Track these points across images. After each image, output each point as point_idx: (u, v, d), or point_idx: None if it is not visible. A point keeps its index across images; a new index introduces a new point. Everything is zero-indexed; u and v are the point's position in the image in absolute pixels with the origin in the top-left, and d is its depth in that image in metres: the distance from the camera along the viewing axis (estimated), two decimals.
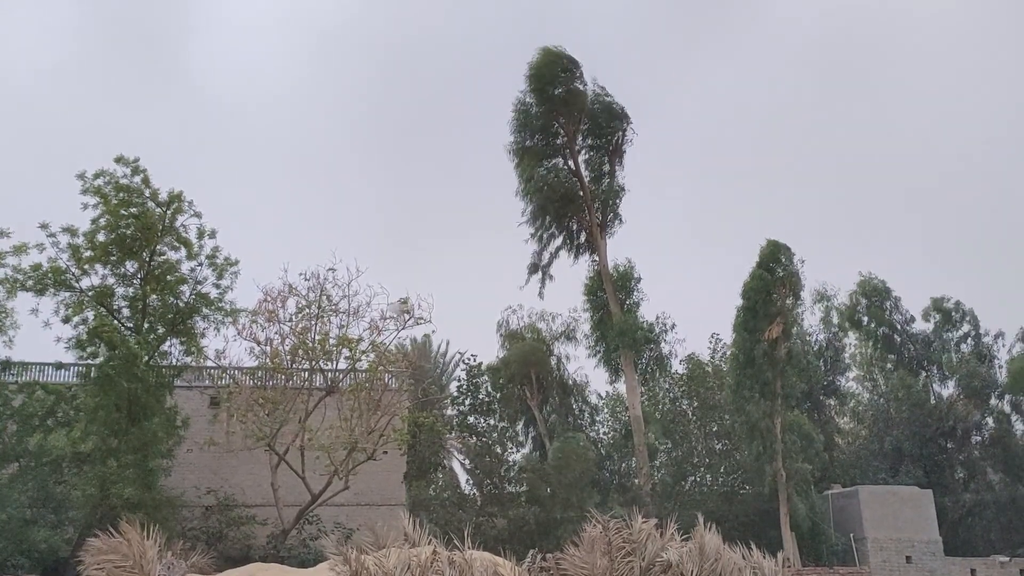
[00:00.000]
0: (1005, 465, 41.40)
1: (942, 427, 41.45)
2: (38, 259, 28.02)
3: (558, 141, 39.48)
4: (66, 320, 28.23)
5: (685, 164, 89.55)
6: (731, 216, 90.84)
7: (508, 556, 14.81)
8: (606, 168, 40.11)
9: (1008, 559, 34.69)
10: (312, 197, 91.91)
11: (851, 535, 33.92)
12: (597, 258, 39.76)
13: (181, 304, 29.48)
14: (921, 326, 45.84)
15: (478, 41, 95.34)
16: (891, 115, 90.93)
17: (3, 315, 27.86)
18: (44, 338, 28.39)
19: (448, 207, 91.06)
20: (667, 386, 39.93)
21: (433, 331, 45.47)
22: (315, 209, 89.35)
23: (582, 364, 62.61)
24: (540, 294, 41.16)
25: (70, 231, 28.27)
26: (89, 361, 28.23)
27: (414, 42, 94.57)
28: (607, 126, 39.25)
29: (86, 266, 28.45)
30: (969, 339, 44.77)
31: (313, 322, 30.22)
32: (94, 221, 28.34)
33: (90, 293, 28.59)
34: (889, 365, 45.09)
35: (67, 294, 28.32)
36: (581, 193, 39.28)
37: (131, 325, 29.00)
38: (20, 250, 27.79)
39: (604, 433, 43.80)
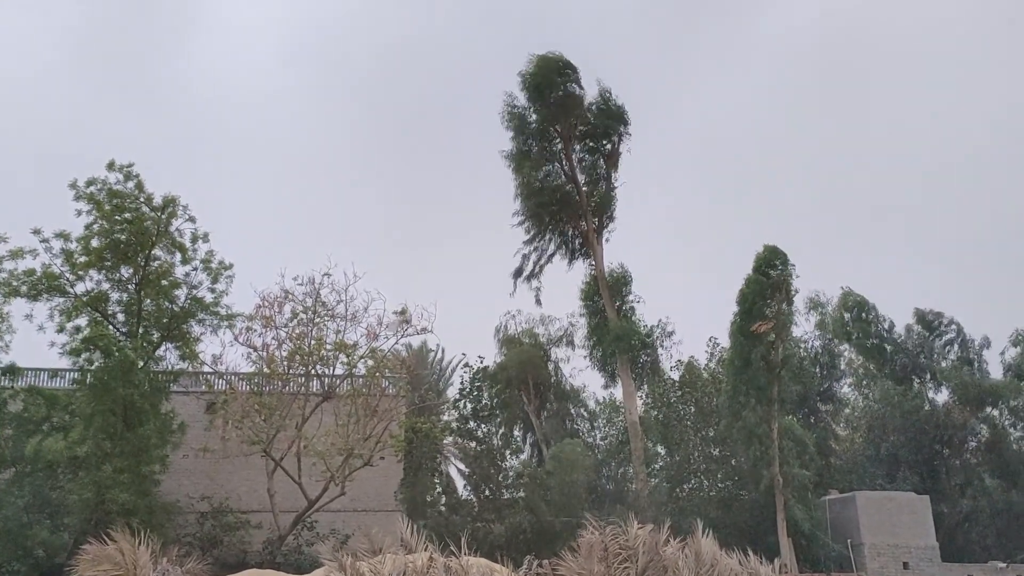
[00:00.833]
0: (1001, 471, 41.41)
1: (938, 434, 41.46)
2: (32, 265, 28.04)
3: (555, 145, 39.51)
4: (61, 329, 28.23)
5: (682, 168, 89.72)
6: (728, 221, 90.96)
7: (505, 562, 14.75)
8: (603, 172, 40.12)
9: (1006, 565, 34.67)
10: (309, 200, 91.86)
11: (848, 541, 33.89)
12: (594, 263, 39.77)
13: (176, 309, 29.46)
14: (912, 333, 45.90)
15: (476, 43, 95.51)
16: (889, 117, 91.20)
17: None
18: (39, 343, 28.39)
19: (446, 210, 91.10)
20: (660, 391, 39.91)
21: (438, 343, 45.73)
22: (312, 213, 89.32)
23: (580, 369, 62.60)
24: (537, 300, 41.13)
25: (63, 236, 28.26)
26: (84, 367, 28.21)
27: (412, 44, 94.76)
28: (604, 130, 39.27)
29: (80, 271, 28.42)
30: (956, 346, 44.86)
31: (310, 327, 30.21)
32: (88, 227, 28.33)
33: (84, 298, 28.55)
34: (882, 374, 45.08)
35: (61, 299, 28.31)
36: (577, 198, 39.30)
37: (125, 330, 28.97)
38: (16, 255, 27.78)
39: (601, 439, 43.77)
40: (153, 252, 29.04)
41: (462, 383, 39.55)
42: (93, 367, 27.47)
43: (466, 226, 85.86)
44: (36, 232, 28.07)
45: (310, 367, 30.25)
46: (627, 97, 40.88)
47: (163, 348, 29.96)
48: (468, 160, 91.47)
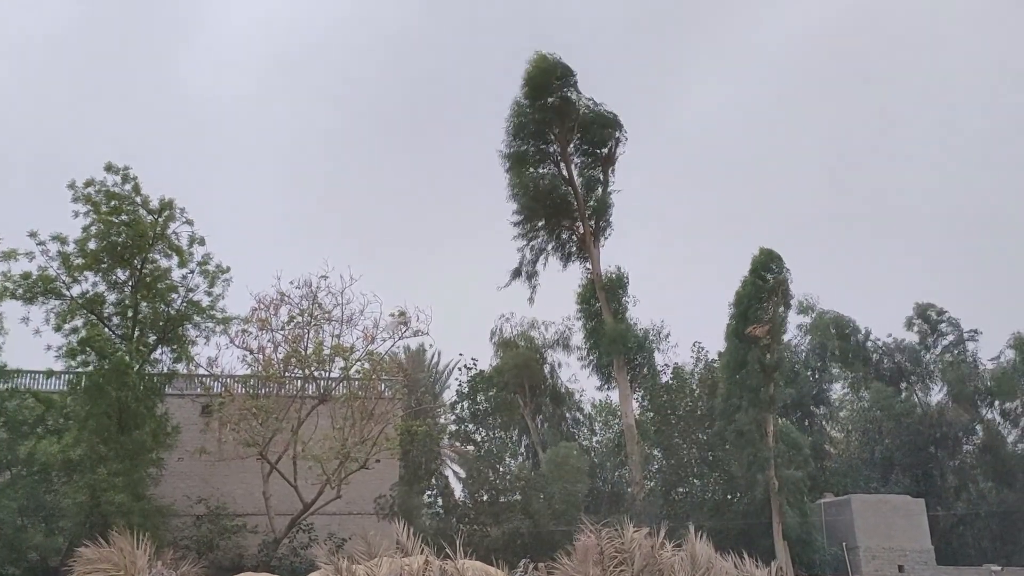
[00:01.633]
0: (996, 473, 41.47)
1: (932, 435, 41.51)
2: (28, 268, 28.02)
3: (551, 148, 39.54)
4: (58, 328, 28.16)
5: (679, 171, 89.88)
6: (725, 223, 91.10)
7: (501, 565, 14.78)
8: (599, 176, 40.15)
9: (1000, 568, 34.73)
10: (304, 203, 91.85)
11: (843, 544, 33.94)
12: (590, 266, 39.80)
13: (172, 312, 29.45)
14: (900, 336, 46.01)
15: (473, 45, 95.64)
16: (887, 118, 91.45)
17: None
18: (34, 345, 28.36)
19: (442, 212, 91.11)
20: (652, 396, 39.96)
21: (431, 345, 45.68)
22: (307, 215, 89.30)
23: (575, 372, 62.60)
24: (530, 299, 41.02)
25: (60, 239, 28.23)
26: (80, 369, 28.17)
27: (408, 45, 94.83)
28: (600, 134, 39.32)
29: (76, 274, 28.40)
30: (951, 345, 44.80)
31: (306, 330, 30.20)
32: (85, 229, 28.32)
33: (80, 301, 28.52)
34: (870, 379, 45.07)
35: (57, 302, 28.28)
36: (574, 201, 39.33)
37: (121, 333, 28.93)
38: (9, 256, 27.74)
39: (597, 442, 43.76)
40: (150, 255, 29.03)
41: (458, 386, 39.59)
42: (88, 369, 27.43)
43: (462, 228, 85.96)
44: (32, 235, 28.07)
45: (306, 370, 30.24)
46: (624, 100, 41.16)
47: (159, 351, 29.93)
48: (464, 162, 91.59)
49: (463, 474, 42.51)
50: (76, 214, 28.34)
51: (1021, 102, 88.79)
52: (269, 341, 30.00)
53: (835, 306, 47.27)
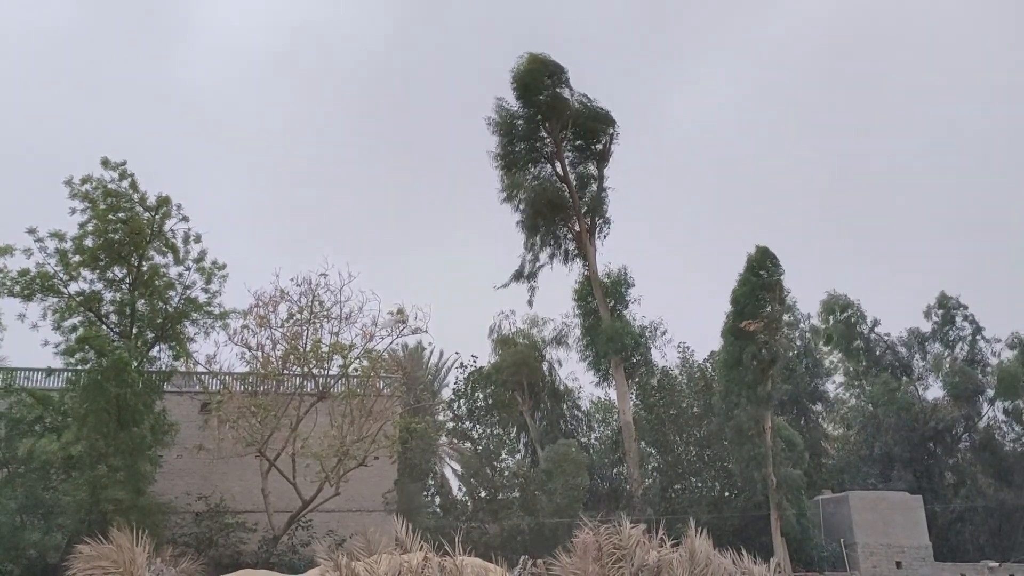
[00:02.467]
0: (995, 470, 41.50)
1: (930, 431, 41.53)
2: (26, 264, 27.98)
3: (544, 147, 39.50)
4: (57, 326, 28.14)
5: (675, 168, 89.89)
6: (723, 221, 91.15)
7: (499, 562, 14.80)
8: (593, 172, 40.12)
9: (997, 565, 34.81)
10: (303, 201, 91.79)
11: (841, 540, 33.99)
12: (587, 263, 39.80)
13: (169, 309, 29.43)
14: (902, 331, 45.91)
15: (469, 43, 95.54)
16: (885, 115, 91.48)
17: None
18: (32, 342, 28.36)
19: (439, 210, 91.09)
20: (647, 394, 40.00)
21: (430, 343, 45.69)
22: (306, 214, 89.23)
23: (573, 369, 62.66)
24: (529, 302, 41.13)
25: (58, 236, 28.17)
26: (79, 367, 28.16)
27: (405, 42, 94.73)
28: (593, 130, 39.26)
29: (74, 271, 28.37)
30: (957, 340, 44.69)
31: (305, 328, 30.20)
32: (82, 226, 28.27)
33: (78, 298, 28.49)
34: (871, 373, 45.08)
35: (55, 299, 28.25)
36: (569, 199, 39.30)
37: (119, 330, 28.92)
38: (5, 251, 27.70)
39: (596, 439, 43.77)
40: (147, 252, 29.03)
41: (456, 383, 39.60)
42: (87, 367, 27.42)
43: (459, 226, 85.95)
44: (31, 232, 28.02)
45: (305, 367, 30.24)
46: (618, 96, 41.09)
47: (157, 348, 29.93)
48: (461, 160, 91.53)
49: (461, 471, 42.55)
50: (73, 211, 28.31)
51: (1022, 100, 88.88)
52: (268, 338, 30.01)
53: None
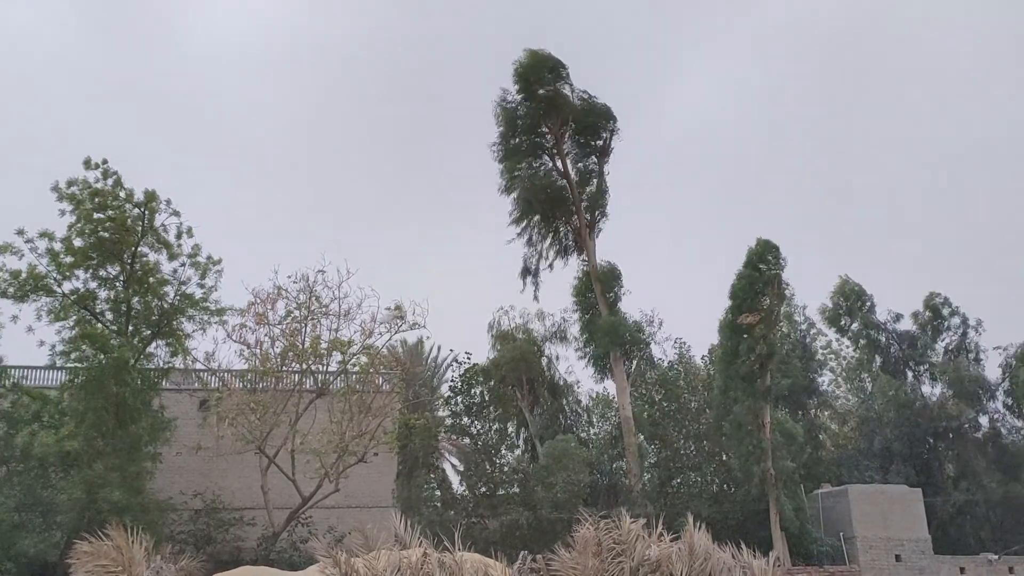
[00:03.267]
0: (998, 464, 41.46)
1: (932, 428, 41.49)
2: (18, 266, 27.92)
3: (544, 142, 39.45)
4: (57, 320, 28.07)
5: (675, 163, 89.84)
6: (722, 214, 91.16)
7: (499, 558, 14.78)
8: (594, 168, 40.10)
9: (997, 557, 34.86)
10: (300, 197, 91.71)
11: (840, 534, 34.03)
12: (586, 258, 39.78)
13: (165, 305, 29.36)
14: (907, 325, 45.74)
15: (467, 37, 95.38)
16: (886, 110, 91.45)
17: None
18: (28, 342, 28.31)
19: (437, 206, 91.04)
20: (646, 390, 39.95)
21: (428, 337, 45.70)
22: (303, 209, 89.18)
23: (572, 364, 62.68)
24: (535, 297, 41.05)
25: (47, 236, 28.10)
26: (76, 365, 28.11)
27: (402, 36, 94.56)
28: (594, 126, 39.24)
29: (67, 271, 28.30)
30: (956, 337, 44.56)
31: (303, 324, 30.19)
32: (71, 227, 28.20)
33: (72, 297, 28.43)
34: (875, 367, 44.99)
35: (48, 299, 28.18)
36: (569, 194, 39.29)
37: (115, 328, 28.88)
38: (3, 250, 27.67)
39: (595, 434, 43.78)
40: (139, 249, 28.92)
41: (454, 379, 39.61)
42: (85, 365, 27.36)
43: (457, 222, 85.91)
44: (20, 233, 27.95)
45: (304, 364, 30.24)
46: (618, 91, 40.99)
47: (154, 345, 29.87)
48: (459, 155, 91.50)
49: (461, 467, 42.57)
50: (62, 212, 28.24)
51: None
52: (266, 335, 30.00)
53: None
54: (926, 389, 44.31)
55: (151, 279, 29.13)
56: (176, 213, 29.33)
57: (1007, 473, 40.98)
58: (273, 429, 28.94)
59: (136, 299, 29.08)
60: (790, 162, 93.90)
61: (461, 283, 72.54)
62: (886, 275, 79.48)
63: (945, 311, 44.68)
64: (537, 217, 39.56)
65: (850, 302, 44.89)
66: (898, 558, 33.58)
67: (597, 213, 39.75)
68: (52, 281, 28.24)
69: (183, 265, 29.70)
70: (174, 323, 29.59)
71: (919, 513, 34.67)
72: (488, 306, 55.22)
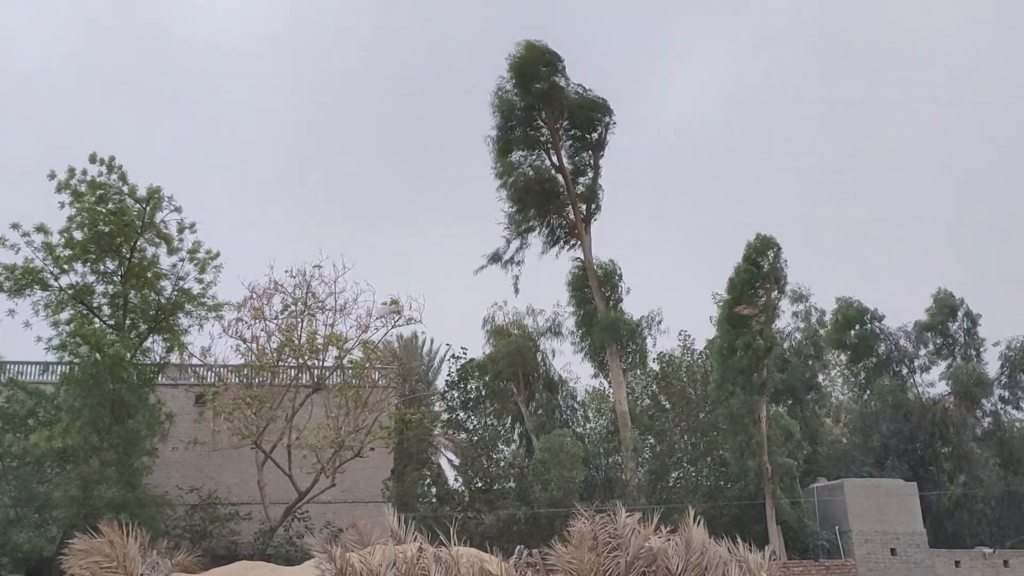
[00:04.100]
0: (999, 457, 41.48)
1: (929, 424, 41.48)
2: (13, 260, 27.81)
3: (540, 135, 39.40)
4: (54, 314, 27.96)
5: (672, 157, 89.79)
6: (716, 211, 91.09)
7: (495, 552, 14.77)
8: (589, 161, 40.06)
9: (992, 550, 34.99)
10: (296, 192, 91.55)
11: (836, 528, 34.12)
12: (581, 252, 39.76)
13: (163, 300, 29.30)
14: (910, 324, 45.61)
15: (464, 30, 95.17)
16: (889, 107, 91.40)
17: None
18: (24, 338, 28.21)
19: (433, 201, 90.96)
20: (644, 384, 39.96)
21: (423, 332, 45.66)
22: (299, 205, 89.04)
23: (568, 359, 62.73)
24: (515, 288, 40.92)
25: (43, 230, 27.97)
26: (72, 360, 28.03)
27: (400, 30, 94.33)
28: (589, 119, 39.19)
29: (64, 265, 28.19)
30: (960, 334, 44.35)
31: (299, 319, 30.15)
32: (70, 219, 28.09)
33: (69, 291, 28.34)
34: (873, 371, 44.84)
35: (45, 294, 28.07)
36: (564, 188, 39.25)
37: (112, 323, 28.80)
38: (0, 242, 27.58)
39: (591, 429, 43.84)
40: (138, 244, 28.84)
41: (450, 374, 39.62)
42: (80, 362, 27.28)
43: (454, 216, 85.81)
44: (15, 227, 27.82)
45: (300, 359, 30.21)
46: (615, 86, 40.92)
47: (150, 340, 29.81)
48: (456, 149, 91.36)
49: (457, 462, 42.56)
50: (61, 204, 28.11)
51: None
52: (263, 330, 29.95)
53: (832, 295, 46.94)
54: (924, 388, 44.33)
55: (149, 274, 29.05)
56: (178, 209, 29.33)
57: (1003, 467, 41.08)
58: (269, 424, 28.91)
59: (134, 294, 29.00)
60: (792, 155, 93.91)
61: (455, 277, 72.56)
62: (886, 272, 79.56)
63: (957, 309, 44.30)
64: (532, 210, 39.51)
65: (853, 322, 44.42)
66: (893, 552, 33.67)
67: (592, 207, 39.74)
68: (49, 275, 28.14)
69: (182, 260, 29.65)
70: (171, 319, 29.52)
71: (914, 507, 34.77)
72: (482, 300, 55.12)
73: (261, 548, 28.47)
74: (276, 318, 30.17)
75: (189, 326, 30.02)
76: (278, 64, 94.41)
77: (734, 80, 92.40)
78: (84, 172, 28.18)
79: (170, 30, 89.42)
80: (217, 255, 29.79)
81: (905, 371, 44.62)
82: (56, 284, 28.29)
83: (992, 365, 43.62)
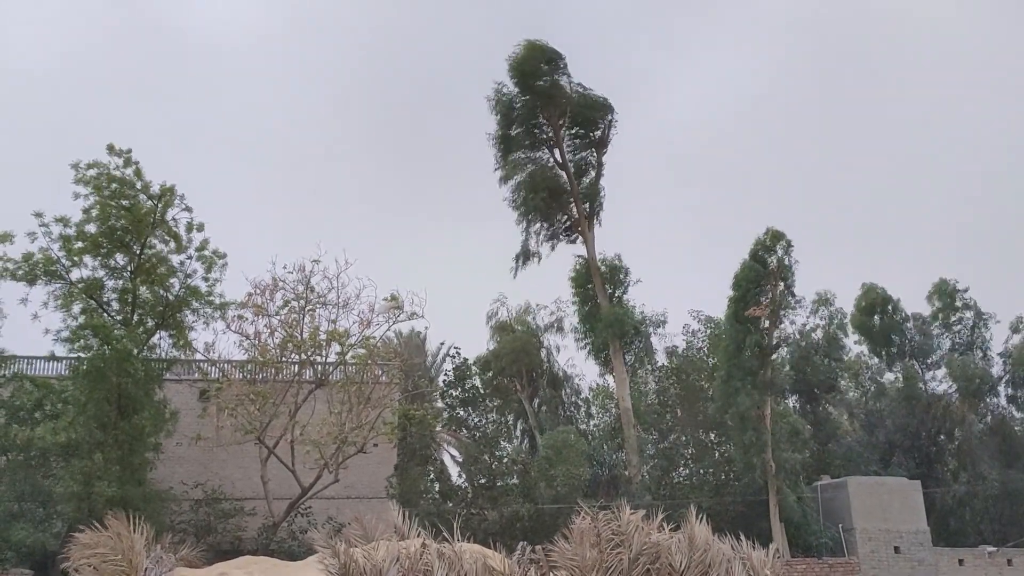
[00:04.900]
0: (1001, 455, 41.39)
1: (936, 425, 41.35)
2: (31, 248, 27.87)
3: (542, 133, 39.36)
4: (64, 307, 28.01)
5: (675, 153, 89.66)
6: (721, 206, 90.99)
7: (498, 548, 14.79)
8: (591, 159, 40.02)
9: (996, 549, 34.91)
10: (298, 188, 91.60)
11: (840, 526, 34.08)
12: (584, 250, 39.74)
13: (170, 297, 29.38)
14: (918, 311, 45.42)
15: (466, 30, 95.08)
16: (891, 104, 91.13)
17: None
18: (32, 330, 28.28)
19: (434, 197, 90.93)
20: (653, 380, 39.92)
21: (426, 327, 45.63)
22: (300, 200, 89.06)
23: (572, 356, 62.75)
24: (513, 273, 40.84)
25: (63, 221, 28.08)
26: (81, 354, 28.09)
27: (401, 25, 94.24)
28: (592, 117, 39.13)
29: (76, 257, 28.28)
30: (966, 329, 44.17)
31: (301, 315, 30.15)
32: (85, 212, 28.16)
33: (80, 285, 28.41)
34: (887, 363, 44.75)
35: (57, 285, 28.17)
36: (567, 185, 39.22)
37: (120, 318, 28.87)
38: (4, 239, 27.61)
39: (594, 425, 43.84)
40: (148, 240, 28.95)
41: (452, 370, 39.62)
42: (89, 355, 27.33)
43: (455, 213, 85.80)
44: (38, 215, 27.90)
45: (303, 354, 30.21)
46: (617, 81, 40.87)
47: (157, 336, 29.91)
48: (456, 146, 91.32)
49: (460, 458, 42.59)
50: (77, 196, 28.17)
51: None
52: (265, 326, 29.96)
53: (831, 291, 46.68)
54: (931, 384, 44.21)
55: (158, 271, 29.15)
56: (188, 208, 29.45)
57: (1007, 465, 40.97)
58: (272, 420, 28.93)
59: (142, 289, 29.10)
60: (793, 151, 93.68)
61: (458, 273, 72.55)
62: (885, 269, 79.37)
63: (957, 300, 44.19)
64: (534, 208, 39.47)
65: (878, 309, 44.22)
66: (897, 550, 33.61)
67: (595, 204, 39.70)
68: (61, 267, 28.23)
69: (190, 258, 29.77)
70: (178, 315, 29.63)
71: (918, 505, 34.71)
72: (485, 296, 55.21)
73: (264, 543, 28.51)
74: (278, 314, 30.19)
75: (194, 322, 30.13)
76: (281, 61, 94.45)
77: (738, 77, 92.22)
78: (104, 165, 28.22)
79: (168, 29, 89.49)
80: (224, 255, 30.03)
81: (917, 365, 44.43)
82: (68, 277, 28.39)
83: (997, 364, 43.55)
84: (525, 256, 40.05)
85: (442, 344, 49.13)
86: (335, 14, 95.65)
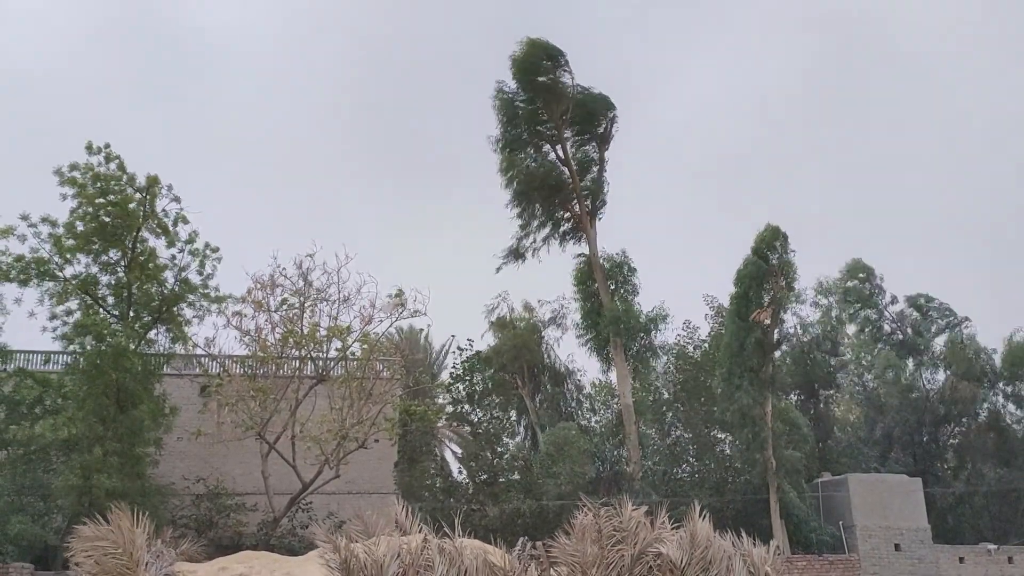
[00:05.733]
0: (999, 453, 41.42)
1: (934, 415, 41.35)
2: (21, 250, 27.85)
3: (544, 130, 39.31)
4: (53, 316, 28.08)
5: (678, 149, 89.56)
6: (723, 205, 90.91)
7: (499, 544, 14.79)
8: (594, 157, 39.99)
9: (996, 547, 34.93)
10: (299, 183, 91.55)
11: (840, 523, 34.09)
12: (587, 246, 39.70)
13: (166, 292, 29.31)
14: (910, 311, 45.55)
15: (467, 27, 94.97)
16: (894, 101, 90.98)
17: None
18: (31, 326, 28.32)
19: (435, 194, 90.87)
20: (655, 377, 39.89)
21: (429, 324, 45.69)
22: (302, 196, 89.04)
23: (574, 352, 62.67)
24: (506, 259, 40.78)
25: (50, 222, 28.02)
26: (77, 351, 28.08)
27: (401, 24, 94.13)
28: (594, 114, 39.09)
29: (68, 255, 28.22)
30: (945, 331, 44.42)
31: (301, 310, 30.10)
32: (72, 211, 28.10)
33: (74, 282, 28.39)
34: (878, 347, 44.86)
35: (51, 284, 28.13)
36: (570, 182, 39.18)
37: (116, 313, 28.85)
38: (6, 232, 27.60)
39: (596, 421, 43.83)
40: (140, 234, 28.83)
41: (454, 366, 39.64)
42: (85, 352, 27.33)
43: (457, 210, 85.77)
44: (24, 218, 27.86)
45: (303, 350, 30.17)
46: (621, 77, 40.77)
47: (154, 331, 29.85)
48: (457, 143, 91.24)
49: (461, 453, 42.60)
50: (64, 197, 28.12)
51: None
52: (266, 321, 29.91)
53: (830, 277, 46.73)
54: (928, 375, 44.25)
55: (152, 265, 29.06)
56: (177, 199, 29.21)
57: (1007, 463, 40.98)
58: (273, 415, 28.92)
59: (137, 284, 29.02)
60: (795, 149, 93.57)
61: (459, 269, 72.51)
62: (886, 268, 79.20)
63: (931, 307, 44.66)
64: (537, 205, 39.44)
65: (858, 280, 44.72)
66: (897, 547, 33.62)
67: (598, 201, 39.66)
68: (54, 266, 28.19)
69: (182, 251, 29.63)
70: (175, 309, 29.55)
71: (918, 502, 34.71)
72: (486, 292, 55.10)
73: (265, 538, 28.53)
74: (277, 309, 30.13)
75: (192, 317, 30.07)
76: (282, 58, 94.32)
77: (741, 76, 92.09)
78: (87, 164, 28.13)
79: (170, 29, 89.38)
80: (217, 249, 29.84)
81: (911, 358, 44.48)
82: (62, 275, 28.35)
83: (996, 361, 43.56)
84: (516, 254, 40.01)
85: (452, 337, 48.77)
86: (335, 13, 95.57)
